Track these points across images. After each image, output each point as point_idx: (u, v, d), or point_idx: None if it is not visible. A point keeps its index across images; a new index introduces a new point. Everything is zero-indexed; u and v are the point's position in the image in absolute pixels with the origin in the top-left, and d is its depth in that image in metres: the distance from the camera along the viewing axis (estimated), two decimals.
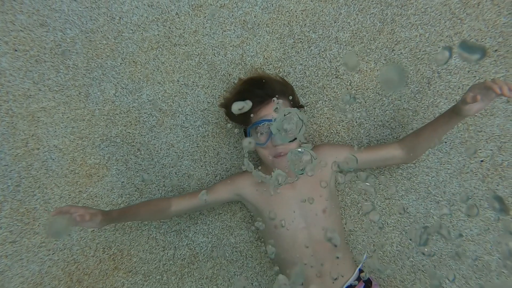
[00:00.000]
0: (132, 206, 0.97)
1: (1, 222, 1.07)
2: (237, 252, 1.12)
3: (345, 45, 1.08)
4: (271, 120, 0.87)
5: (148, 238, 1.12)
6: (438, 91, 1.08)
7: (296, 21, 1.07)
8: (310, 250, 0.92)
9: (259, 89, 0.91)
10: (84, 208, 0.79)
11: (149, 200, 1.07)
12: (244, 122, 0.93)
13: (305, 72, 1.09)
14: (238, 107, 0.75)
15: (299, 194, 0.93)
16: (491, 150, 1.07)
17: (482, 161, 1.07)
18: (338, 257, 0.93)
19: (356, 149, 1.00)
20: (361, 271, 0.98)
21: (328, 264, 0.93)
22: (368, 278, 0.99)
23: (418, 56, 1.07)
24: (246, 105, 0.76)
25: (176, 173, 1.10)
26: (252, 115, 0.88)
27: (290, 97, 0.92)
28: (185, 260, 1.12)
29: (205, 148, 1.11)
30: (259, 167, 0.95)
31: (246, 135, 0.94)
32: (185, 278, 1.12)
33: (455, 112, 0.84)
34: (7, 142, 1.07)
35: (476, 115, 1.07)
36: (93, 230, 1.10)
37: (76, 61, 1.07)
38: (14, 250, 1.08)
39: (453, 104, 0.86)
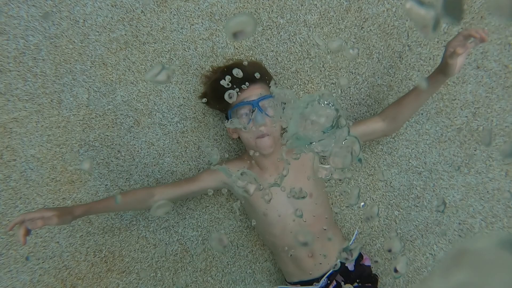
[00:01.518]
0: (110, 198, 0.95)
1: None
2: (228, 243, 1.10)
3: (314, 27, 1.05)
4: (252, 102, 0.85)
5: (138, 237, 1.10)
6: (410, 64, 1.06)
7: (263, 8, 1.05)
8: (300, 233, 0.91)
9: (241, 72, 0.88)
10: (38, 212, 0.76)
11: (130, 191, 1.04)
12: (226, 107, 0.90)
13: (277, 59, 1.07)
14: (235, 72, 0.74)
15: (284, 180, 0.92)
16: (466, 116, 1.06)
17: (458, 128, 1.07)
18: (330, 239, 0.93)
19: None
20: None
21: (319, 244, 0.92)
22: (359, 253, 0.98)
23: (388, 31, 1.05)
24: (239, 72, 0.74)
25: (159, 171, 1.08)
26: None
27: (269, 81, 0.90)
28: (177, 256, 1.10)
29: (185, 144, 1.09)
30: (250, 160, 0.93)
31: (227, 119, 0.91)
32: (179, 272, 1.10)
33: (441, 73, 0.83)
34: None
35: (448, 84, 1.06)
36: (81, 235, 1.07)
37: (43, 68, 1.03)
38: (2, 263, 1.05)
39: (436, 68, 0.85)
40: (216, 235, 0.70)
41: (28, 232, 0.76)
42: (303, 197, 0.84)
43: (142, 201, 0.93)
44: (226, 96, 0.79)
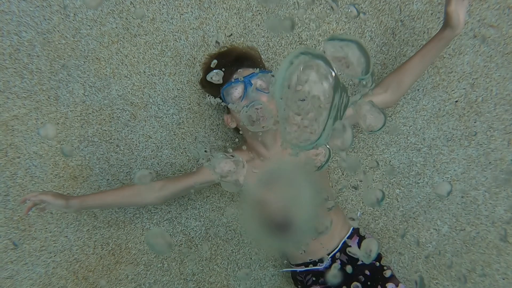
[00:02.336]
0: (108, 192, 0.95)
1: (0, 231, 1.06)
2: (231, 231, 1.10)
3: (305, 9, 1.03)
4: (243, 80, 0.83)
5: (143, 229, 1.10)
6: (403, 39, 1.04)
7: None
8: None
9: (231, 56, 0.87)
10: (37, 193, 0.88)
11: (130, 184, 1.04)
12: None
13: (268, 44, 1.05)
14: (212, 63, 0.72)
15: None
16: (464, 88, 1.04)
17: (456, 101, 1.04)
18: (329, 209, 0.91)
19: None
20: (355, 228, 0.97)
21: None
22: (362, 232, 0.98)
23: (379, 8, 1.03)
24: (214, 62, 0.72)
25: (158, 164, 1.08)
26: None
27: (260, 65, 0.89)
28: (182, 246, 1.11)
29: (182, 135, 1.08)
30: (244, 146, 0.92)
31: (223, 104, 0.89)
32: (185, 262, 1.11)
33: (447, 26, 0.80)
34: None
35: (444, 56, 1.03)
36: (88, 229, 1.09)
37: (38, 65, 1.03)
38: (17, 256, 1.07)
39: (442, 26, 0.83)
40: None
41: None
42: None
43: (141, 194, 0.92)
44: (208, 77, 0.77)
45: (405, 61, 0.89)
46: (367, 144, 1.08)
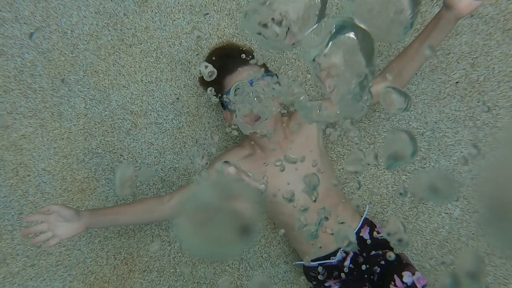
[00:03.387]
0: (119, 207, 0.94)
1: (17, 249, 1.08)
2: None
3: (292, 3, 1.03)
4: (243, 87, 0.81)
5: (153, 236, 1.11)
6: None
7: None
8: (312, 210, 0.89)
9: (225, 58, 0.86)
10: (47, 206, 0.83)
11: (138, 200, 1.04)
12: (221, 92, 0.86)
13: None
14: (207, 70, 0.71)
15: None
16: (464, 69, 1.01)
17: (457, 82, 1.02)
18: (335, 185, 0.88)
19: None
20: (366, 219, 0.95)
21: (332, 218, 0.90)
22: (372, 222, 0.96)
23: None
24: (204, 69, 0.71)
25: (162, 169, 1.09)
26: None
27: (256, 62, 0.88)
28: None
29: (183, 139, 1.09)
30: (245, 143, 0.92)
31: (224, 108, 0.89)
32: (197, 265, 1.11)
33: (444, 4, 0.72)
34: (0, 175, 1.08)
35: None
36: (99, 240, 1.10)
37: (41, 84, 1.06)
38: (36, 273, 1.09)
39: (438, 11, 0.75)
40: None
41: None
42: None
43: (152, 209, 0.91)
44: (203, 77, 0.76)
45: (405, 48, 0.83)
46: (368, 133, 1.06)
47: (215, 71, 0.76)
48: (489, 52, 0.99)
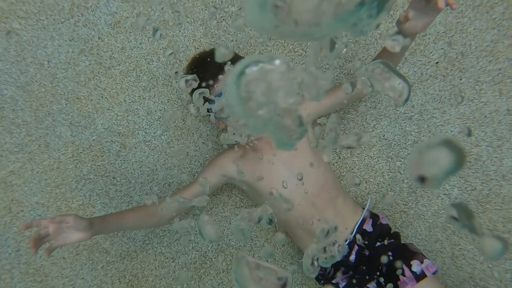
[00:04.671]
0: (120, 213, 0.91)
1: None
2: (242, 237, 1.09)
3: None
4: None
5: (155, 255, 1.10)
6: None
7: (211, 2, 1.04)
8: (310, 206, 0.89)
9: (205, 66, 0.85)
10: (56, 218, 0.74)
11: (138, 206, 1.03)
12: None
13: (239, 47, 1.05)
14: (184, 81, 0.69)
15: (281, 156, 0.89)
16: (442, 48, 1.01)
17: (437, 62, 1.02)
18: (340, 205, 0.88)
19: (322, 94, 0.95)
20: (368, 211, 0.94)
21: (332, 213, 0.90)
22: (375, 213, 0.95)
23: None
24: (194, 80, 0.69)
25: (156, 186, 1.08)
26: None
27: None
28: (197, 262, 1.10)
29: (174, 154, 1.08)
30: (236, 147, 0.92)
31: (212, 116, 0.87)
32: (203, 278, 1.10)
33: (402, 33, 0.72)
34: None
35: None
36: (102, 266, 1.08)
37: (24, 117, 1.05)
38: None
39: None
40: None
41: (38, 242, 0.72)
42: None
43: (153, 213, 0.89)
44: (182, 85, 0.75)
45: (378, 54, 0.82)
46: (357, 124, 1.06)
47: (194, 82, 0.75)
48: (463, 29, 1.00)
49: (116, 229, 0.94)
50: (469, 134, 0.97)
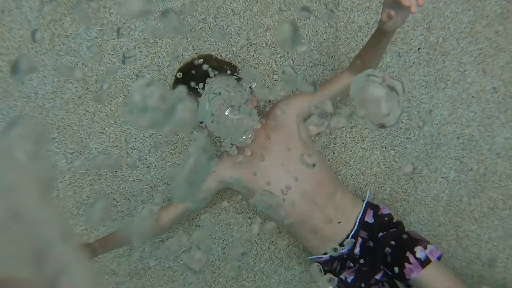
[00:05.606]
0: (116, 232, 0.92)
1: None
2: (247, 243, 1.09)
3: (244, 12, 1.04)
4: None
5: (164, 270, 1.11)
6: (347, 8, 1.03)
7: (189, 13, 1.04)
8: (311, 204, 0.89)
9: (196, 70, 0.85)
10: None
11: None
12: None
13: (221, 55, 1.06)
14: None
15: (275, 158, 0.89)
16: (422, 34, 1.01)
17: (419, 49, 1.02)
18: (314, 165, 0.88)
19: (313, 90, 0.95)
20: (368, 203, 0.94)
21: (332, 208, 0.90)
22: (375, 204, 0.95)
23: None
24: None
25: (156, 203, 1.09)
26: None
27: (229, 71, 0.86)
28: (206, 272, 1.11)
29: (170, 168, 1.09)
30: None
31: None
32: (213, 287, 1.10)
33: (383, 31, 0.74)
34: None
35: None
36: (112, 287, 1.09)
37: None
38: None
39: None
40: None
41: None
42: (313, 165, 0.81)
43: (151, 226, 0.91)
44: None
45: (363, 47, 0.83)
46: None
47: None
48: (440, 13, 1.00)
49: (112, 248, 0.95)
50: (413, 171, 0.97)
